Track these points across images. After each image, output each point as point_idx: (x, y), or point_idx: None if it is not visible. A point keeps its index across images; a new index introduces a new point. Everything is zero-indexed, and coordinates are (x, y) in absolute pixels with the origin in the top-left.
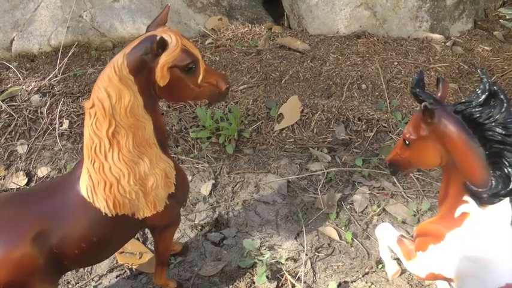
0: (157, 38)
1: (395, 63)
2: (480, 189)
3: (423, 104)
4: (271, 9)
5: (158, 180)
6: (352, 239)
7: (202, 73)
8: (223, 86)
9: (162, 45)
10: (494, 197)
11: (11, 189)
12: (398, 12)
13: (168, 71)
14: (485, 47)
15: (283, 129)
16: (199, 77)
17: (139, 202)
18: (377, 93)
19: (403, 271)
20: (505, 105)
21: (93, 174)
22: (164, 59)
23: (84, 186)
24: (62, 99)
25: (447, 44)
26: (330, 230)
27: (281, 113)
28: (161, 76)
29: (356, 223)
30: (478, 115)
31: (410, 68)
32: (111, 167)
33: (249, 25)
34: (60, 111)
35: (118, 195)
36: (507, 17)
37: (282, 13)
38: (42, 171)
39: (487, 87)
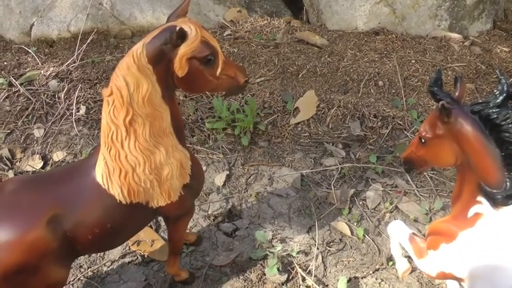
0: (177, 28)
1: (413, 61)
2: (494, 191)
3: (440, 102)
4: (290, 3)
5: (173, 170)
6: (363, 235)
7: (221, 65)
8: (241, 78)
9: (182, 36)
10: (509, 199)
11: (27, 171)
12: (417, 10)
13: (187, 62)
14: (504, 48)
15: (298, 123)
16: (218, 69)
17: (153, 191)
18: (393, 91)
19: (414, 269)
20: None
21: (109, 161)
22: (183, 49)
23: (99, 173)
24: (80, 85)
25: (465, 43)
26: (342, 225)
27: (297, 107)
28: (180, 67)
29: (368, 219)
30: (495, 116)
31: (428, 66)
32: (127, 155)
33: (268, 18)
34: (77, 97)
35: (133, 183)
36: None
37: (301, 7)
38: (57, 156)
39: (505, 88)
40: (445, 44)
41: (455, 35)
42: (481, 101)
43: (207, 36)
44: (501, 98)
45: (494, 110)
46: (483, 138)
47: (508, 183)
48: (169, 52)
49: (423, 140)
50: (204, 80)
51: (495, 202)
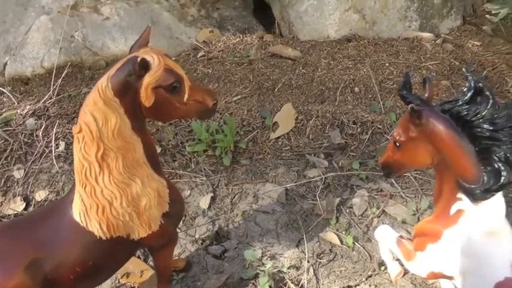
0: (139, 59)
1: (387, 64)
2: (472, 186)
3: (410, 105)
4: (262, 18)
5: (151, 200)
6: (353, 242)
7: (188, 91)
8: (210, 102)
9: (144, 66)
10: (487, 193)
11: (9, 215)
12: (387, 13)
13: (153, 92)
14: (475, 42)
15: (278, 137)
16: (185, 96)
17: (133, 223)
18: (370, 96)
19: (406, 271)
20: (491, 101)
21: (85, 198)
22: (147, 79)
23: (76, 211)
24: (57, 121)
25: (437, 41)
26: (331, 235)
27: (276, 122)
28: (146, 97)
29: (356, 226)
30: (465, 113)
31: (402, 68)
32: (102, 190)
33: (241, 35)
34: (55, 133)
35: (111, 217)
36: (493, 12)
37: (272, 21)
38: (40, 195)
39: (473, 84)
40: (417, 44)
41: (426, 34)
42: (450, 99)
43: (171, 63)
44: (469, 94)
45: (464, 107)
46: (456, 135)
47: (485, 177)
48: (135, 83)
49: (398, 144)
50: (172, 107)
51: (474, 197)
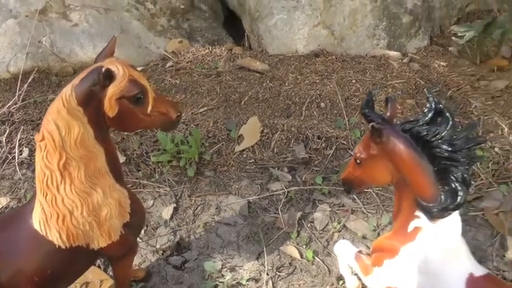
0: (103, 69)
1: (354, 81)
2: (430, 204)
3: (371, 124)
4: (232, 30)
5: (112, 210)
6: (313, 256)
7: (152, 103)
8: (173, 114)
9: (109, 76)
10: (444, 211)
11: None
12: (355, 30)
13: (116, 102)
14: (441, 63)
15: (243, 150)
16: (149, 107)
17: (93, 233)
18: (336, 111)
19: (364, 287)
20: (451, 122)
21: (46, 207)
22: (111, 90)
23: (36, 220)
24: (22, 127)
25: (404, 60)
26: (291, 249)
27: (241, 134)
28: (110, 107)
29: (317, 241)
30: (425, 133)
31: (368, 85)
32: (63, 199)
33: (210, 47)
34: (19, 139)
35: (71, 226)
36: (459, 34)
37: (242, 34)
38: (1, 202)
39: (433, 105)
40: (384, 62)
41: (393, 53)
42: (411, 119)
43: (136, 75)
44: (430, 115)
45: (424, 127)
46: (415, 155)
47: (442, 196)
48: (99, 93)
49: (358, 161)
50: (136, 118)
51: (432, 215)
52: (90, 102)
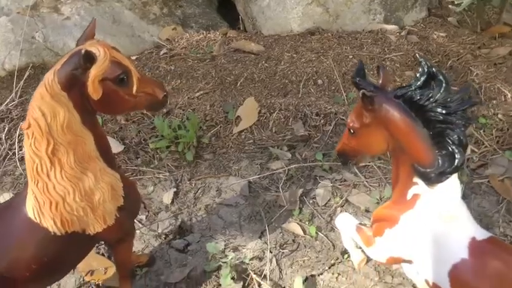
0: (83, 51)
1: (350, 57)
2: (428, 170)
3: (361, 91)
4: (226, 15)
5: (105, 194)
6: (316, 232)
7: (136, 83)
8: (160, 93)
9: (90, 58)
10: (442, 176)
11: None
12: (350, 6)
13: (100, 84)
14: (440, 34)
15: (241, 131)
16: (134, 87)
17: (88, 218)
18: (333, 88)
19: (369, 259)
20: (444, 85)
21: (38, 195)
22: (94, 72)
23: (30, 208)
24: (20, 123)
25: (402, 33)
26: (294, 226)
27: (239, 116)
28: (93, 90)
29: (320, 216)
30: (418, 97)
31: (366, 60)
32: (55, 185)
33: (204, 32)
34: (19, 136)
35: (65, 212)
36: (456, 2)
37: (237, 17)
38: (4, 197)
39: (426, 69)
40: (381, 37)
41: (391, 27)
42: (404, 85)
43: (118, 56)
44: (422, 79)
45: (417, 92)
46: (410, 120)
47: (439, 160)
48: (81, 76)
49: (352, 131)
50: (121, 100)
51: (429, 181)
52: (74, 86)
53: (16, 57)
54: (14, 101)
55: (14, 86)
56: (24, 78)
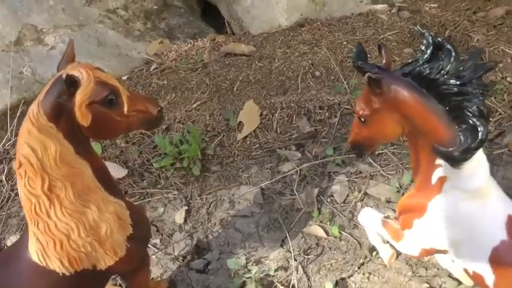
0: (63, 76)
1: (345, 43)
2: (450, 149)
3: (367, 74)
4: (211, 20)
5: (111, 225)
6: (339, 232)
7: (127, 102)
8: (153, 109)
9: (72, 82)
10: (467, 153)
11: None
12: None
13: (88, 109)
14: (432, 5)
15: (246, 136)
16: (124, 107)
17: (97, 253)
18: (332, 77)
19: (399, 253)
20: (453, 54)
21: (40, 236)
22: (79, 97)
23: (33, 251)
24: (12, 163)
25: (392, 11)
26: (315, 229)
27: (240, 121)
28: (82, 116)
29: (340, 214)
30: (428, 71)
31: (361, 43)
32: (56, 224)
33: (192, 41)
34: None
35: (71, 251)
36: None
37: (223, 22)
38: (11, 240)
39: (431, 40)
40: (372, 18)
41: (380, 6)
42: (410, 61)
43: (103, 76)
44: (429, 51)
45: (425, 66)
46: (422, 98)
47: (461, 136)
48: (67, 103)
49: (363, 119)
50: (113, 122)
51: (454, 161)
52: (61, 115)
53: (7, 95)
54: (10, 140)
55: (8, 125)
56: (18, 115)
